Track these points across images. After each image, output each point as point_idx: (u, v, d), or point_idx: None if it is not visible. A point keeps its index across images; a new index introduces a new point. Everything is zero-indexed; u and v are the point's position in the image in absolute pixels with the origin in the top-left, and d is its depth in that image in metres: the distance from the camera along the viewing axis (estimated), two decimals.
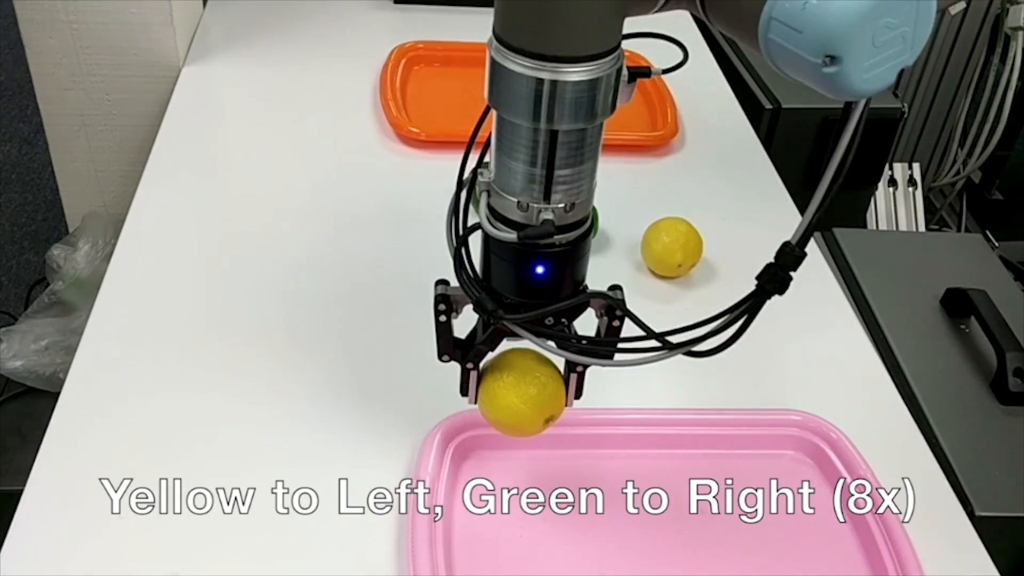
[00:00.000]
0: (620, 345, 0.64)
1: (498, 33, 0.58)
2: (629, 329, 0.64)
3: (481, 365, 0.71)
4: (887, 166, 1.77)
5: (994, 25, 1.83)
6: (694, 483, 0.81)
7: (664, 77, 1.36)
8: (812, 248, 1.11)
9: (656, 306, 1.00)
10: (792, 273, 0.57)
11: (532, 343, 0.65)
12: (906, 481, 0.83)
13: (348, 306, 0.96)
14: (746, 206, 1.17)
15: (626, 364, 0.62)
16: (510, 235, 0.61)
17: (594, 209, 1.05)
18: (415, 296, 0.99)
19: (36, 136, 2.49)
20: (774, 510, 0.80)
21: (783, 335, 0.98)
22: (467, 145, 0.66)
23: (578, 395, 0.73)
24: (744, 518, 0.79)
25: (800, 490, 0.82)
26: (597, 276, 1.04)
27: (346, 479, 0.79)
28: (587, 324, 0.67)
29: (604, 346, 0.66)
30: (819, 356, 0.96)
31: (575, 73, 0.56)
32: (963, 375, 1.12)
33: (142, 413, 0.83)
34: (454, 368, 0.90)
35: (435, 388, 0.88)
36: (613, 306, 0.65)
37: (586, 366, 0.69)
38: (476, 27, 1.48)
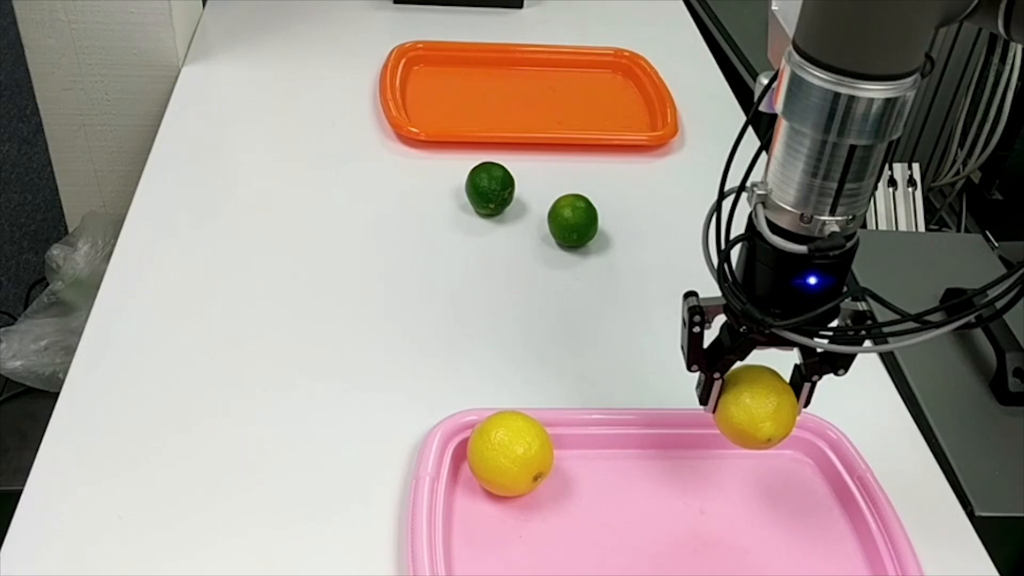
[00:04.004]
0: (888, 329, 0.65)
1: (800, 44, 0.59)
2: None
3: (474, 430, 0.78)
4: (887, 166, 1.77)
5: None
6: (694, 483, 0.81)
7: (664, 77, 1.36)
8: None
9: (655, 310, 1.01)
10: None
11: (801, 344, 0.68)
12: (906, 481, 0.83)
13: (348, 305, 0.96)
14: (746, 206, 1.17)
15: (887, 349, 0.67)
16: (799, 248, 0.62)
17: (594, 209, 1.06)
18: (415, 295, 0.99)
19: (36, 136, 2.49)
20: (774, 510, 0.80)
21: None
22: (728, 157, 0.66)
23: (807, 404, 0.74)
24: (744, 518, 0.79)
25: (800, 490, 0.82)
26: (595, 274, 1.04)
27: (346, 479, 0.79)
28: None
29: (867, 333, 0.67)
30: None
31: (875, 91, 0.57)
32: (963, 375, 1.12)
33: (141, 413, 0.83)
34: (454, 368, 0.90)
35: (435, 388, 0.88)
36: (864, 315, 0.67)
37: (823, 374, 0.71)
38: (476, 27, 1.48)
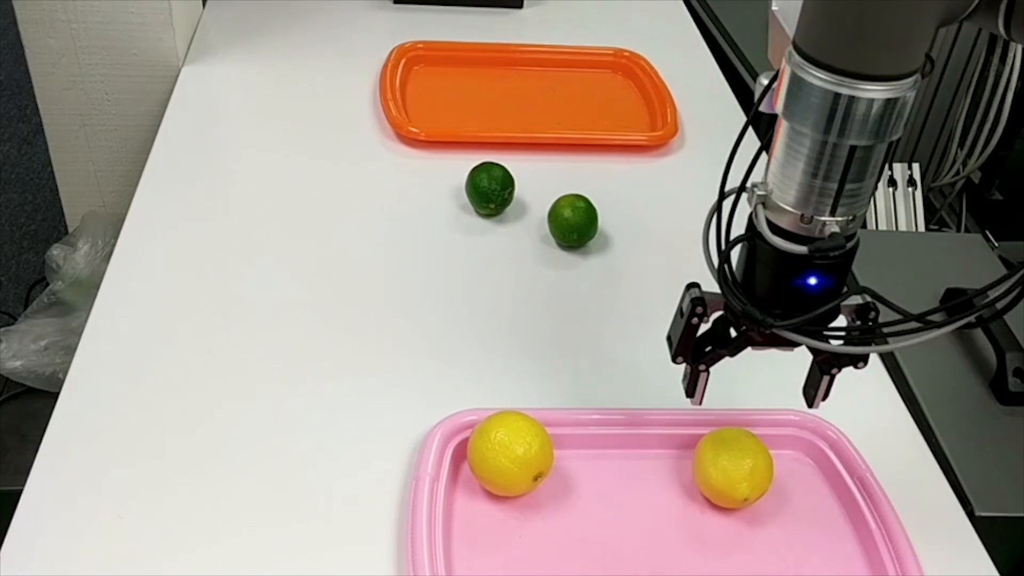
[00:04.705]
0: (889, 329, 0.65)
1: (800, 45, 0.59)
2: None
3: (474, 429, 0.78)
4: (887, 166, 1.77)
5: None
6: (694, 483, 0.81)
7: (664, 77, 1.36)
8: None
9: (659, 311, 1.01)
10: None
11: (805, 345, 0.67)
12: (906, 481, 0.83)
13: (348, 305, 0.96)
14: (746, 207, 1.17)
15: (888, 349, 0.65)
16: (800, 248, 0.62)
17: (594, 209, 1.06)
18: (415, 295, 0.99)
19: (36, 136, 2.48)
20: (774, 510, 0.80)
21: None
22: (729, 157, 0.66)
23: (825, 396, 0.74)
24: (744, 518, 0.79)
25: (800, 490, 0.82)
26: (595, 274, 1.04)
27: (347, 479, 0.79)
28: None
29: (874, 334, 0.67)
30: None
31: (875, 91, 0.57)
32: (963, 375, 1.12)
33: (141, 413, 0.83)
34: (454, 367, 0.90)
35: (435, 388, 0.88)
36: (869, 306, 0.67)
37: (842, 367, 0.71)
38: (476, 27, 1.48)
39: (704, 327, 0.71)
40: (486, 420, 0.78)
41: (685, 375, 0.75)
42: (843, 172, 0.60)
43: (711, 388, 0.91)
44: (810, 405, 0.75)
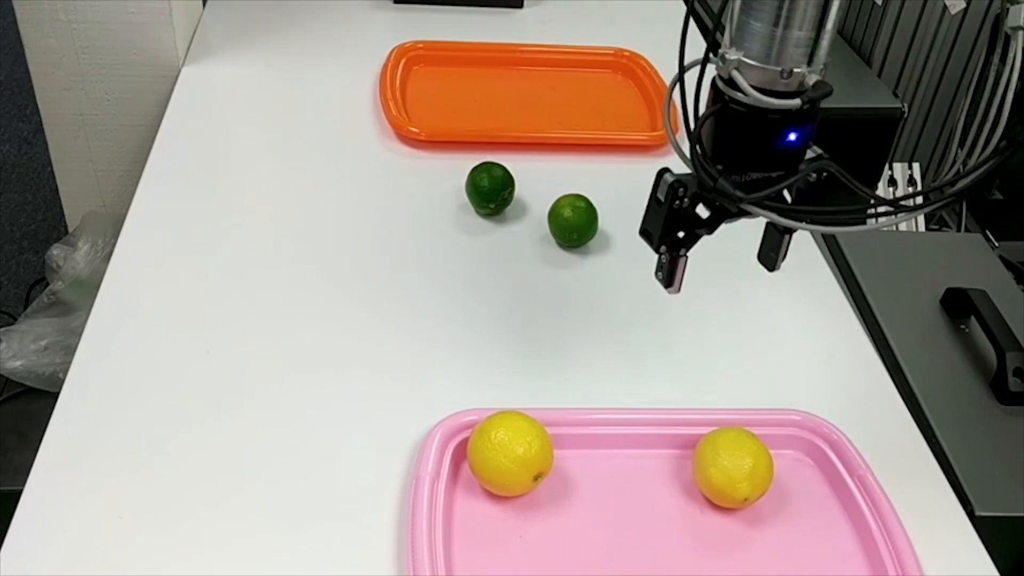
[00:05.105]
0: (869, 211, 0.66)
1: None
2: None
3: (474, 430, 0.78)
4: (887, 166, 1.77)
5: (994, 25, 1.82)
6: (694, 483, 0.81)
7: (664, 77, 1.36)
8: (812, 247, 1.11)
9: (657, 309, 1.01)
10: None
11: (772, 220, 0.67)
12: (906, 481, 0.83)
13: (348, 305, 0.96)
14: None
15: (868, 229, 0.65)
16: (793, 103, 0.62)
17: (594, 209, 1.06)
18: (415, 296, 0.99)
19: (36, 136, 2.49)
20: (774, 510, 0.80)
21: (783, 335, 0.98)
22: (683, 28, 0.67)
23: (784, 255, 0.73)
24: (744, 518, 0.79)
25: (800, 490, 0.82)
26: (595, 274, 1.04)
27: (346, 478, 0.79)
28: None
29: (849, 213, 0.67)
30: (819, 356, 0.96)
31: None
32: (963, 375, 1.12)
33: (141, 413, 0.83)
34: (454, 367, 0.90)
35: (435, 388, 0.88)
36: (833, 172, 0.67)
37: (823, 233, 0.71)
38: (476, 27, 1.48)
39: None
40: (486, 420, 0.78)
41: (659, 267, 0.74)
42: (818, 18, 0.60)
43: (711, 388, 0.91)
44: (771, 269, 0.74)
